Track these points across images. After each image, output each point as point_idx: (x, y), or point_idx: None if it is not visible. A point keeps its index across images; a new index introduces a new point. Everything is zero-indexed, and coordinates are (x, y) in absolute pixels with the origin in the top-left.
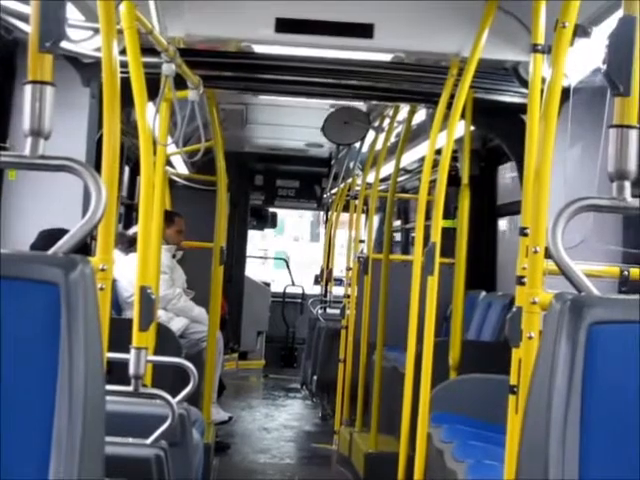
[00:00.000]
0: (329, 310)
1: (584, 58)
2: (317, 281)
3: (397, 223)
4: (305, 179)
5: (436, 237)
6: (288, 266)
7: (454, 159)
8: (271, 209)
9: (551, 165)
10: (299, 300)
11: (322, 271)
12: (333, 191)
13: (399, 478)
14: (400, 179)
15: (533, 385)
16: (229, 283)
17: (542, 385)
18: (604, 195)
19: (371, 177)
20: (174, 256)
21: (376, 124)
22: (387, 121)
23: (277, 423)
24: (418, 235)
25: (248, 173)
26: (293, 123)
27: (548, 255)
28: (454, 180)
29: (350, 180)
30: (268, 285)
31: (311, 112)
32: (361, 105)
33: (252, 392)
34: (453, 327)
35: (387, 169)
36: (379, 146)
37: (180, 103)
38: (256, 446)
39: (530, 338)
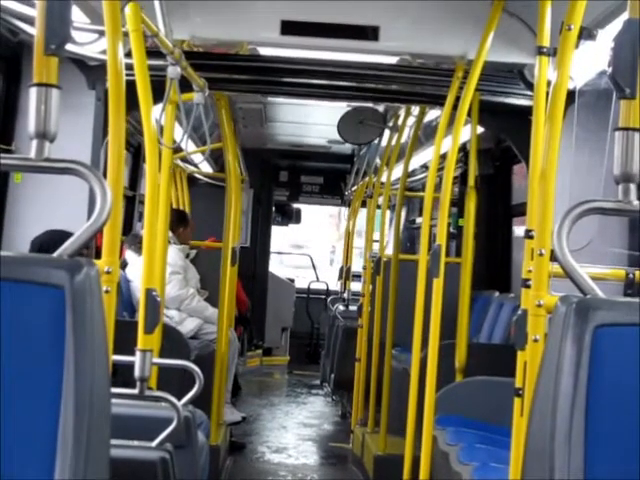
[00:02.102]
0: (352, 307)
1: (589, 61)
2: (341, 276)
3: (420, 220)
4: (329, 175)
5: (441, 239)
6: (313, 263)
7: (468, 157)
8: (295, 205)
9: (556, 167)
10: (323, 296)
11: (342, 268)
12: (354, 188)
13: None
14: (420, 176)
15: (538, 388)
16: (253, 280)
17: (547, 388)
18: (610, 198)
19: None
20: (187, 256)
21: (391, 124)
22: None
23: (296, 421)
24: (424, 235)
25: (272, 170)
26: (313, 121)
27: (553, 258)
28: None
29: (367, 179)
30: (292, 281)
31: (330, 110)
32: (377, 105)
33: (274, 389)
34: (459, 329)
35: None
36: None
37: (190, 105)
38: (273, 445)
39: (535, 341)
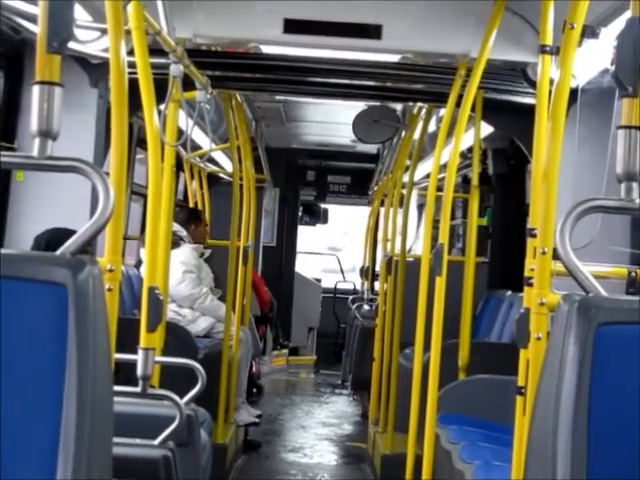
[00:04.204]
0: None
1: (592, 59)
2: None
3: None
4: (356, 175)
5: (444, 237)
6: (340, 264)
7: (484, 155)
8: (323, 205)
9: (559, 166)
10: (350, 296)
11: (362, 268)
12: (376, 188)
13: (407, 478)
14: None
15: (541, 386)
16: (279, 279)
17: (550, 386)
18: (612, 196)
19: (407, 175)
20: (202, 255)
21: (406, 123)
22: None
23: (316, 421)
24: (426, 234)
25: (299, 169)
26: (336, 120)
27: (556, 256)
28: (485, 178)
29: (385, 178)
30: (319, 281)
31: (351, 110)
32: (392, 104)
33: (298, 389)
34: (462, 327)
35: (427, 167)
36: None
37: (192, 104)
38: (289, 444)
39: (538, 339)
